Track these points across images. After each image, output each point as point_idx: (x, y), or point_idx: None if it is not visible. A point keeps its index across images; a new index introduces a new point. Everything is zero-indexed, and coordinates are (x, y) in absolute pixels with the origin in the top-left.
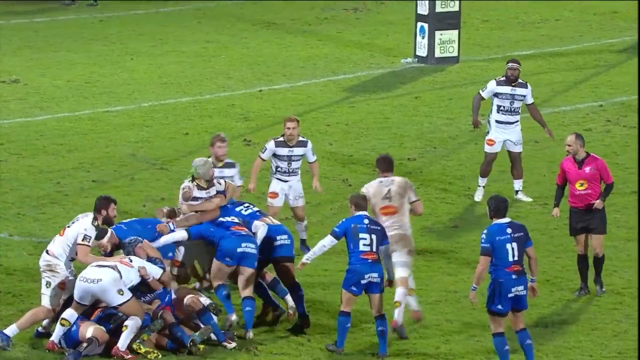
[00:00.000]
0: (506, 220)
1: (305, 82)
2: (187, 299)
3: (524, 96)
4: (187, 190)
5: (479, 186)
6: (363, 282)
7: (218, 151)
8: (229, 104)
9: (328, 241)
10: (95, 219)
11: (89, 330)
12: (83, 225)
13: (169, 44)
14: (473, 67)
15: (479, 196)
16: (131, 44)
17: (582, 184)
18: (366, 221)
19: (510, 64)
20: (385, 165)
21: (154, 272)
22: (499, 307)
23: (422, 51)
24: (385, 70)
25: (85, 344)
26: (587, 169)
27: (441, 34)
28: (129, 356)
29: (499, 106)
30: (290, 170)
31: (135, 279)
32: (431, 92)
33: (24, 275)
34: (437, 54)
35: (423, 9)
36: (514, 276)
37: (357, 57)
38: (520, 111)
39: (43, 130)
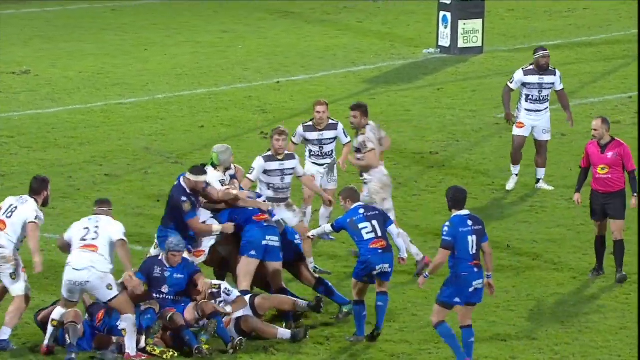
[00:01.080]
0: (466, 212)
1: (324, 73)
2: (200, 305)
3: (553, 84)
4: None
5: (513, 175)
6: (375, 273)
7: (275, 144)
8: (245, 95)
9: (329, 228)
10: (36, 201)
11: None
12: (30, 208)
13: (183, 34)
14: (497, 58)
15: (510, 185)
16: (145, 34)
17: (603, 168)
18: (361, 211)
19: (540, 52)
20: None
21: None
22: (456, 299)
23: (444, 41)
24: (406, 61)
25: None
26: (610, 154)
27: (464, 24)
28: (144, 357)
29: (527, 95)
30: (324, 153)
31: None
32: (454, 84)
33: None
34: (460, 44)
35: None
36: (475, 269)
37: (377, 48)
38: (549, 98)
39: (54, 123)
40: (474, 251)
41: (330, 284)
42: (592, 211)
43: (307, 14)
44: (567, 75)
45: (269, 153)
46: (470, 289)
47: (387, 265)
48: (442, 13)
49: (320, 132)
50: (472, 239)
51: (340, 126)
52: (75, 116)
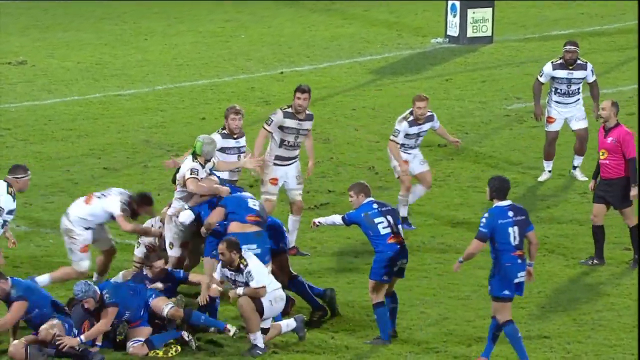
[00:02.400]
0: (507, 202)
1: (330, 64)
2: (168, 311)
3: (583, 78)
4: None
5: (545, 170)
6: (395, 269)
7: (231, 123)
8: (248, 86)
9: (338, 219)
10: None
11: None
12: (116, 200)
13: (185, 23)
14: (508, 48)
15: (542, 178)
16: (145, 23)
17: (603, 153)
18: (375, 205)
19: (567, 47)
20: None
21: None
22: (506, 292)
23: (453, 30)
24: (414, 51)
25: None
26: (610, 139)
27: (474, 12)
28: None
29: (555, 88)
30: (415, 145)
31: None
32: (463, 74)
33: (30, 268)
34: (470, 33)
35: None
36: (519, 260)
37: (384, 37)
38: (580, 91)
39: (51, 115)
40: (517, 242)
41: (306, 284)
42: (594, 196)
43: (312, 3)
44: None
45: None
46: (515, 280)
47: (405, 261)
48: (450, 2)
49: (420, 126)
50: (513, 230)
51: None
52: (73, 108)
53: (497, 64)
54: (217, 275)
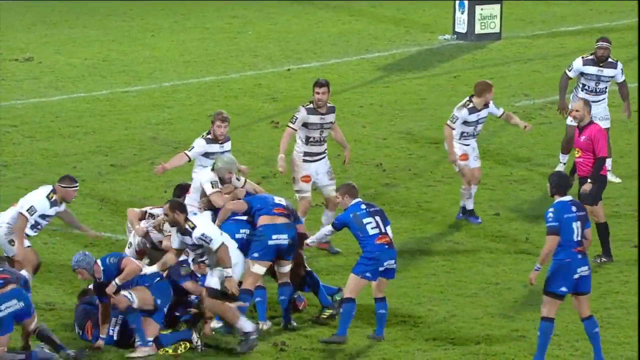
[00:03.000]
0: (568, 197)
1: (337, 61)
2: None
3: (612, 77)
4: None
5: (560, 162)
6: (381, 269)
7: (217, 130)
8: (255, 83)
9: (328, 230)
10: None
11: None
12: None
13: (192, 20)
14: (516, 44)
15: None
16: (152, 20)
17: (577, 152)
18: (363, 206)
19: (599, 43)
20: None
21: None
22: (563, 289)
23: (461, 27)
24: (421, 47)
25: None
26: (583, 137)
27: (482, 9)
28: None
29: (583, 85)
30: (475, 133)
31: None
32: (471, 71)
33: None
34: (478, 30)
35: None
36: (579, 256)
37: (392, 34)
38: (607, 90)
39: (58, 112)
40: (579, 238)
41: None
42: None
43: None
44: None
45: (310, 105)
46: (575, 276)
47: (392, 262)
48: None
49: (478, 113)
50: (576, 225)
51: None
52: (80, 105)
53: (505, 61)
54: (174, 242)
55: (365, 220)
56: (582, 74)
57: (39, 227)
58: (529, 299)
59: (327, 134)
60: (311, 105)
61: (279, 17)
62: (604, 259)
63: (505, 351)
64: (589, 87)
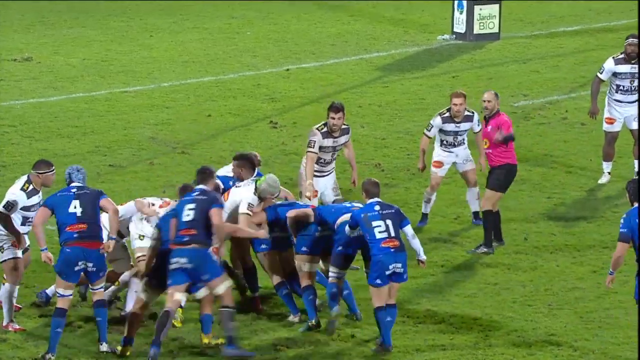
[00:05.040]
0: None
1: (336, 61)
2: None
3: None
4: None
5: (604, 172)
6: (387, 272)
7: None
8: (254, 83)
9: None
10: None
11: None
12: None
13: (190, 20)
14: (515, 45)
15: (602, 180)
16: (151, 20)
17: (486, 142)
18: (377, 207)
19: (630, 39)
20: None
21: None
22: None
23: (460, 27)
24: (420, 47)
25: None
26: (490, 127)
27: (481, 9)
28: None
29: (618, 85)
30: (456, 143)
31: None
32: (470, 71)
33: (37, 266)
34: (476, 30)
35: None
36: None
37: (390, 34)
38: None
39: (57, 112)
40: None
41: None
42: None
43: None
44: (587, 62)
45: (325, 129)
46: None
47: (399, 265)
48: None
49: (457, 125)
50: None
51: (476, 117)
52: (79, 105)
53: (504, 61)
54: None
55: (374, 223)
56: (614, 74)
57: (29, 220)
58: (527, 299)
59: (336, 155)
60: (325, 129)
61: (278, 17)
62: (484, 249)
63: (503, 352)
64: (623, 87)
